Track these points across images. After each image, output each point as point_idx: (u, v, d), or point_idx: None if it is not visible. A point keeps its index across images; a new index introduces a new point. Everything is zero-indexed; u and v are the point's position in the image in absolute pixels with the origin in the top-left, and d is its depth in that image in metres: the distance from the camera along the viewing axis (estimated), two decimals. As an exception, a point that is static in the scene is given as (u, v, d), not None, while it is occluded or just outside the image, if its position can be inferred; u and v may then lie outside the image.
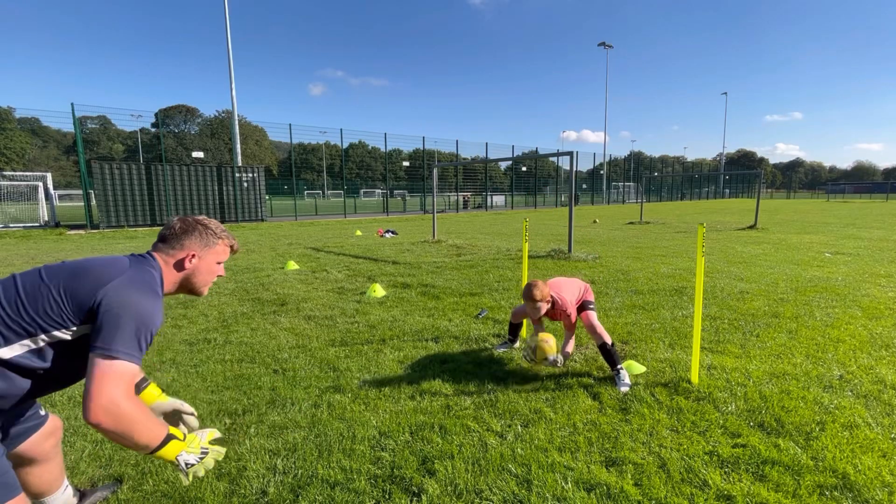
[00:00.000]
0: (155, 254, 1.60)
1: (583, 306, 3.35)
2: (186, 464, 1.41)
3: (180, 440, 1.42)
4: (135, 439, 1.30)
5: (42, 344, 1.35)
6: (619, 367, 3.09)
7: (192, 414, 1.79)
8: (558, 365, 3.14)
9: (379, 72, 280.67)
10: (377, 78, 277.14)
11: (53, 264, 1.47)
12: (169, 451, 1.38)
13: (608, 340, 3.13)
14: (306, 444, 2.36)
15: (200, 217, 1.70)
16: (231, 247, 1.76)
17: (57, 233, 14.62)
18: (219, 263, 1.72)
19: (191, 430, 1.73)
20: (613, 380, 3.06)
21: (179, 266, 1.61)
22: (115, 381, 1.28)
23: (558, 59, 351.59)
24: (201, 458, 1.46)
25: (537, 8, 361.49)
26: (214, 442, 1.55)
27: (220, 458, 1.53)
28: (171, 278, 1.60)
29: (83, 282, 1.39)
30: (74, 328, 1.37)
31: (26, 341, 1.33)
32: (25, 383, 1.36)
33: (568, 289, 3.32)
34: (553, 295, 3.17)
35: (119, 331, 1.33)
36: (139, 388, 1.73)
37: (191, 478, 1.43)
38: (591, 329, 3.20)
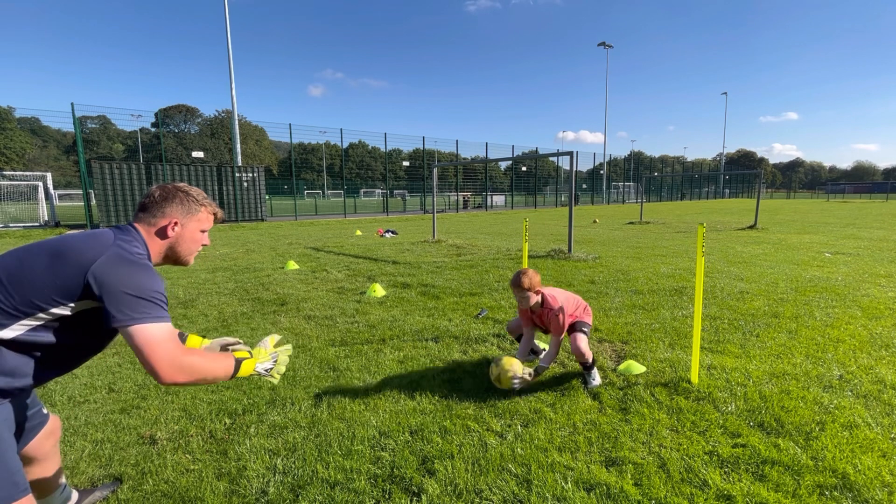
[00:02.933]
0: (136, 224, 1.54)
1: (574, 326, 3.11)
2: (266, 370, 1.65)
3: (249, 358, 1.61)
4: (211, 378, 1.44)
5: (43, 321, 1.33)
6: (592, 371, 3.06)
7: (238, 343, 1.89)
8: (528, 381, 2.83)
9: (378, 73, 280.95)
10: (376, 80, 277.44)
11: (32, 245, 1.42)
12: (245, 370, 1.57)
13: (589, 360, 3.02)
14: (306, 444, 2.36)
15: (180, 184, 1.64)
16: (215, 214, 1.70)
17: (57, 232, 14.63)
18: (203, 232, 1.66)
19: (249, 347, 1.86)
20: (583, 377, 3.07)
21: (162, 234, 1.56)
22: (160, 342, 1.33)
23: (557, 60, 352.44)
24: (275, 362, 1.69)
25: (534, 9, 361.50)
26: (278, 344, 1.77)
27: (289, 354, 1.77)
28: (155, 248, 1.55)
29: (67, 261, 1.35)
30: (73, 304, 1.34)
31: (25, 321, 1.31)
32: (32, 360, 1.35)
33: (564, 296, 3.13)
34: (545, 293, 3.02)
35: (132, 302, 1.33)
36: (181, 339, 1.80)
37: (277, 378, 1.69)
38: (577, 351, 3.00)
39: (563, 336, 2.97)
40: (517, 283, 2.91)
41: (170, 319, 1.40)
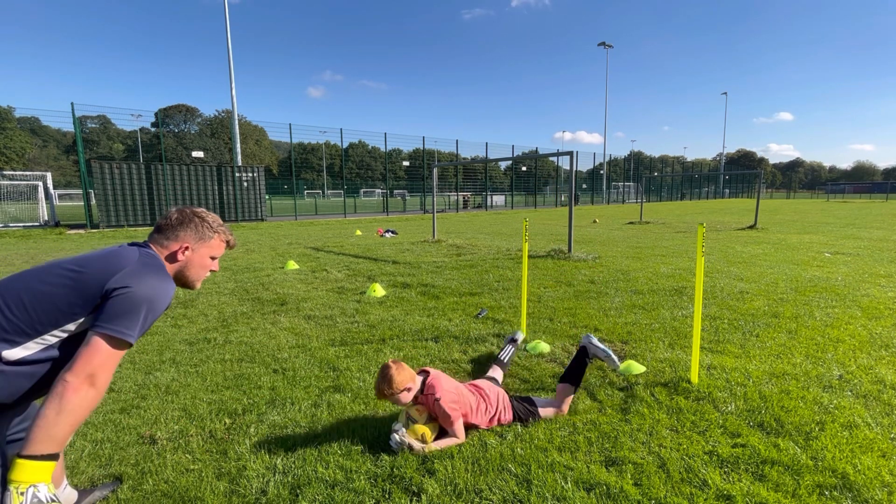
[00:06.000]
0: (151, 244, 1.59)
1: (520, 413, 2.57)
2: (34, 496, 1.23)
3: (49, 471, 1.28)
4: (74, 421, 1.28)
5: (55, 340, 1.37)
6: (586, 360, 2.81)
7: None
8: (406, 445, 2.26)
9: (377, 75, 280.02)
10: (375, 81, 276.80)
11: (56, 261, 1.47)
12: (44, 468, 1.25)
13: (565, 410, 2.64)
14: (306, 444, 2.36)
15: (199, 209, 1.67)
16: (227, 242, 1.73)
17: (57, 232, 14.62)
18: (213, 258, 1.69)
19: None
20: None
21: (172, 258, 1.60)
22: (110, 356, 1.34)
23: (553, 62, 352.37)
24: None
25: (529, 12, 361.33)
26: None
27: None
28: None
29: (95, 271, 1.40)
30: (81, 319, 1.38)
31: (38, 339, 1.34)
32: (32, 379, 1.38)
33: (451, 385, 2.41)
34: (430, 378, 2.38)
35: (127, 311, 1.36)
36: None
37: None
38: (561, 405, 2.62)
39: (457, 425, 2.35)
40: (379, 392, 2.29)
41: (132, 344, 1.40)
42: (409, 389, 2.31)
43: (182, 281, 1.66)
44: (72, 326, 1.38)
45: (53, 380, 1.40)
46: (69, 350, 1.39)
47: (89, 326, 1.36)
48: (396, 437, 2.29)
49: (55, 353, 1.38)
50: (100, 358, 1.32)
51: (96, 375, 1.31)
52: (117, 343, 1.35)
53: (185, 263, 1.62)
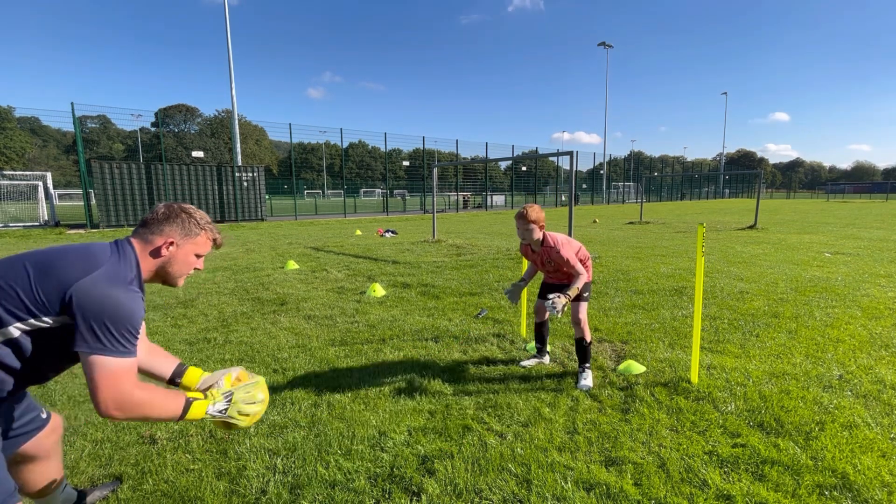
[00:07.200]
0: (133, 239, 1.54)
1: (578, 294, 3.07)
2: (220, 411, 1.52)
3: (202, 399, 1.50)
4: (155, 417, 1.39)
5: (18, 333, 1.32)
6: (586, 365, 3.09)
7: (239, 377, 1.73)
8: (556, 312, 2.75)
9: (376, 77, 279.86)
10: (375, 83, 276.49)
11: (24, 254, 1.43)
12: (196, 413, 1.47)
13: (587, 338, 3.08)
14: (306, 444, 2.36)
15: (186, 205, 1.63)
16: (214, 240, 1.68)
17: (57, 232, 14.62)
18: (198, 256, 1.64)
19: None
20: (577, 375, 3.12)
21: (156, 253, 1.54)
22: (113, 378, 1.31)
23: (554, 62, 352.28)
24: (229, 402, 1.55)
25: (526, 15, 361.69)
26: (241, 379, 1.64)
27: (252, 392, 1.60)
28: (146, 266, 1.53)
29: (54, 275, 1.35)
30: (51, 318, 1.34)
31: (3, 330, 1.30)
32: (7, 372, 1.35)
33: (563, 238, 3.05)
34: (548, 235, 3.00)
35: (103, 329, 1.31)
36: (180, 371, 1.74)
37: (243, 422, 1.56)
38: (575, 321, 3.06)
39: (577, 266, 2.93)
40: (522, 216, 2.93)
41: (135, 354, 1.37)
42: (539, 226, 2.95)
43: (164, 277, 1.60)
44: (44, 323, 1.34)
45: (23, 374, 1.38)
46: (43, 348, 1.37)
47: (79, 348, 1.32)
48: (555, 301, 2.73)
49: (23, 347, 1.34)
50: (105, 383, 1.30)
51: (110, 400, 1.30)
52: (111, 360, 1.31)
53: (169, 259, 1.56)
